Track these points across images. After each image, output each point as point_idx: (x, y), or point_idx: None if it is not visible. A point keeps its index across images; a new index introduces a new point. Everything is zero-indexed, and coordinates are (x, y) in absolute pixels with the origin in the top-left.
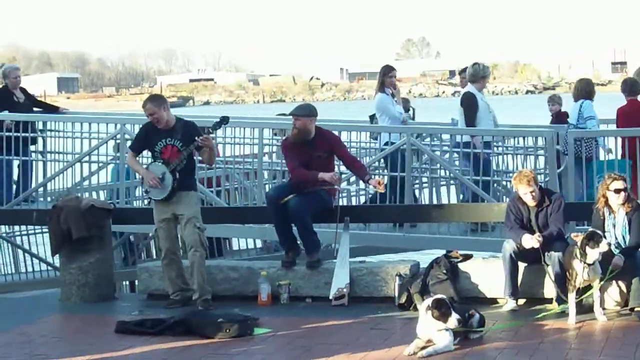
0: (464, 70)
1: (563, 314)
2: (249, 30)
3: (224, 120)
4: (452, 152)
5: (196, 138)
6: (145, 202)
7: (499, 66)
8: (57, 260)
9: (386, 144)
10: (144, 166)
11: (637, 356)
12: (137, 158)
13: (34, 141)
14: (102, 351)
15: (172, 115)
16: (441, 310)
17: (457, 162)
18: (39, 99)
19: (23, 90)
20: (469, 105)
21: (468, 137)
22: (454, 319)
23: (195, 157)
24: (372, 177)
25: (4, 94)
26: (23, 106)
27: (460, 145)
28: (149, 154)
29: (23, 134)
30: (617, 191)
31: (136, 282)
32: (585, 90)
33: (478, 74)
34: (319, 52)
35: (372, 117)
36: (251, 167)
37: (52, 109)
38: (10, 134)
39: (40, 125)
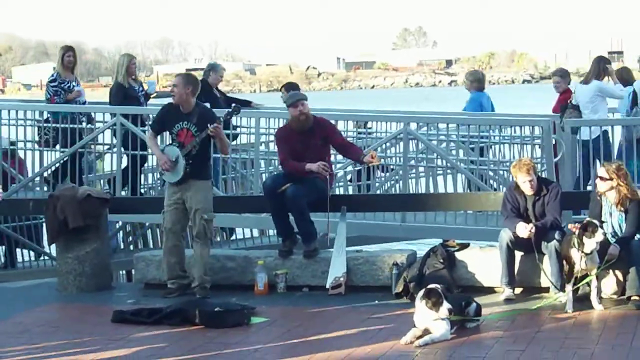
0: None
1: (560, 303)
2: (246, 19)
3: (236, 110)
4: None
5: (208, 125)
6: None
7: (496, 55)
8: (52, 250)
9: (605, 136)
10: (161, 148)
11: (634, 344)
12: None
13: (235, 137)
14: (99, 340)
15: (194, 100)
16: (432, 299)
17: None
18: (229, 95)
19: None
20: None
21: None
22: (444, 309)
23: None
24: (365, 154)
25: (205, 88)
26: (221, 101)
27: None
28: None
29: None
30: (602, 179)
31: (133, 271)
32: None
33: None
34: (315, 42)
35: (564, 109)
36: (248, 156)
37: (245, 104)
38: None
39: (236, 122)
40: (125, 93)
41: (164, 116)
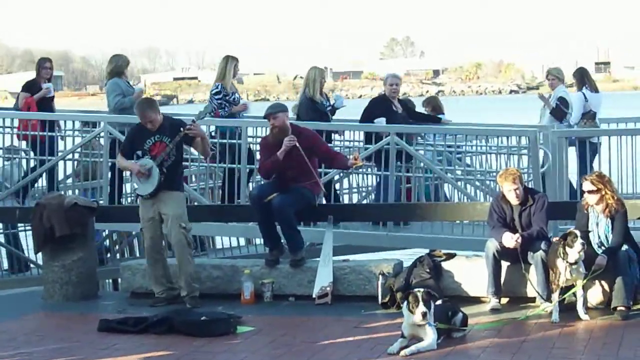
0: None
1: (546, 313)
2: (233, 29)
3: (208, 110)
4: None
5: (181, 129)
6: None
7: (483, 65)
8: (39, 258)
9: None
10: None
11: (620, 355)
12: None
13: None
14: (84, 349)
15: (160, 116)
16: (409, 303)
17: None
18: (417, 110)
19: (400, 101)
20: None
21: None
22: (418, 313)
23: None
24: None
25: (382, 102)
26: (400, 117)
27: None
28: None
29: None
30: (590, 192)
31: (119, 280)
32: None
33: None
34: (303, 51)
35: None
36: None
37: (432, 121)
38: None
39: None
40: (315, 108)
41: (133, 138)
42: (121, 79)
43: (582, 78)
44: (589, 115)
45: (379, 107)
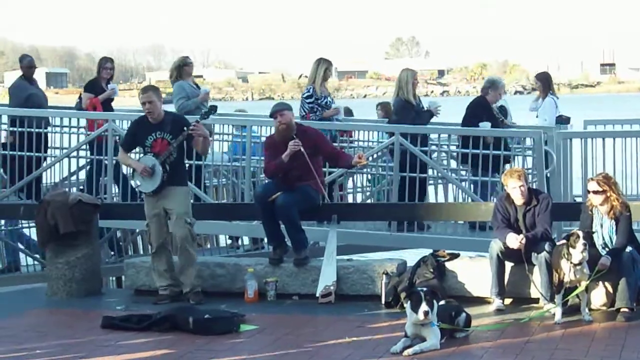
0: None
1: (549, 314)
2: (239, 27)
3: (213, 110)
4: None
5: (185, 128)
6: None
7: (488, 66)
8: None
9: None
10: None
11: (623, 356)
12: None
13: (507, 160)
14: (88, 346)
15: (162, 110)
16: (412, 302)
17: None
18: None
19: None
20: None
21: None
22: (421, 312)
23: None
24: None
25: (486, 106)
26: (498, 120)
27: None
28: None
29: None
30: (595, 192)
31: (123, 277)
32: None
33: None
34: (308, 50)
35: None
36: (239, 163)
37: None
38: (488, 151)
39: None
40: (413, 108)
41: (134, 132)
42: (186, 82)
43: (548, 83)
44: (561, 119)
45: (484, 111)
